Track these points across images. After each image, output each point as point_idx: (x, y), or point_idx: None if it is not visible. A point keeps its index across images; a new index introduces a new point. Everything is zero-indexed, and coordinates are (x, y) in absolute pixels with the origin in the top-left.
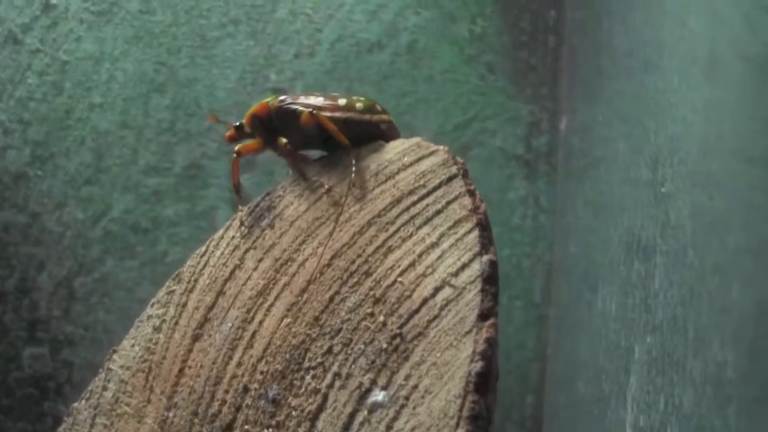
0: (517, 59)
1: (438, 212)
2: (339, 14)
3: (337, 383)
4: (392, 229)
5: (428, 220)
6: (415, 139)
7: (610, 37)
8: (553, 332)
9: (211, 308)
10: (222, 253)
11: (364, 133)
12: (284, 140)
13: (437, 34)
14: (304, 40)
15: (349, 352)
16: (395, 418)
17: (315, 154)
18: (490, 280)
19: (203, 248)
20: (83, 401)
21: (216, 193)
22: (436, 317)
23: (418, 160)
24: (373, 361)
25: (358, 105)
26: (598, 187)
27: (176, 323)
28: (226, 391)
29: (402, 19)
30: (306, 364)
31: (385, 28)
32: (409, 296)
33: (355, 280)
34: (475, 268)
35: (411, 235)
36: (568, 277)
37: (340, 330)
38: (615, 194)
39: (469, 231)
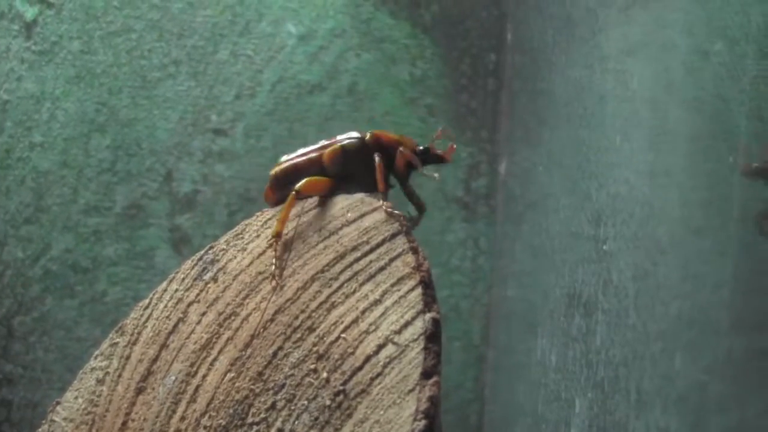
0: (457, 102)
1: (381, 269)
2: (280, 56)
3: None
4: (336, 285)
5: (371, 276)
6: (359, 195)
7: (550, 85)
8: (492, 374)
9: (154, 361)
10: (165, 306)
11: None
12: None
13: (378, 77)
14: (245, 81)
15: (292, 408)
16: None
17: None
18: (433, 338)
19: (146, 300)
20: None
21: (156, 233)
22: (379, 375)
23: (362, 216)
24: (317, 418)
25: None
26: (537, 232)
27: (119, 376)
28: None
29: (343, 61)
30: (249, 420)
31: (326, 70)
32: (353, 353)
33: (298, 335)
34: (418, 325)
35: (354, 292)
36: (507, 319)
37: (283, 386)
38: (555, 243)
39: (413, 288)
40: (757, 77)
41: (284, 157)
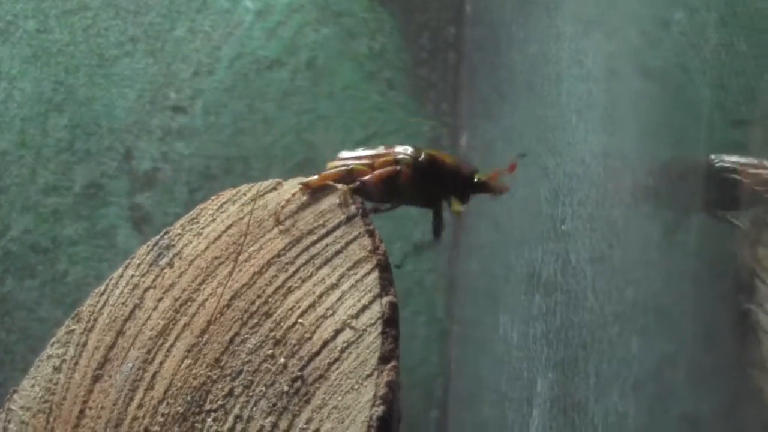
0: (417, 76)
1: (337, 252)
2: (238, 32)
3: (239, 426)
4: (292, 269)
5: (328, 260)
6: (314, 178)
7: (510, 60)
8: (457, 349)
9: (111, 348)
10: (121, 292)
11: None
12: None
13: (337, 51)
14: (203, 58)
15: (250, 394)
16: None
17: None
18: (391, 322)
19: (102, 287)
20: None
21: (116, 212)
22: (337, 360)
23: (318, 199)
24: (275, 404)
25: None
26: (499, 207)
27: (76, 363)
28: None
29: (301, 36)
30: (207, 407)
31: (284, 45)
32: (310, 338)
33: (255, 321)
34: (375, 310)
35: (311, 276)
36: (471, 293)
37: (240, 372)
38: (515, 221)
39: (369, 272)
40: (719, 46)
41: (343, 153)
